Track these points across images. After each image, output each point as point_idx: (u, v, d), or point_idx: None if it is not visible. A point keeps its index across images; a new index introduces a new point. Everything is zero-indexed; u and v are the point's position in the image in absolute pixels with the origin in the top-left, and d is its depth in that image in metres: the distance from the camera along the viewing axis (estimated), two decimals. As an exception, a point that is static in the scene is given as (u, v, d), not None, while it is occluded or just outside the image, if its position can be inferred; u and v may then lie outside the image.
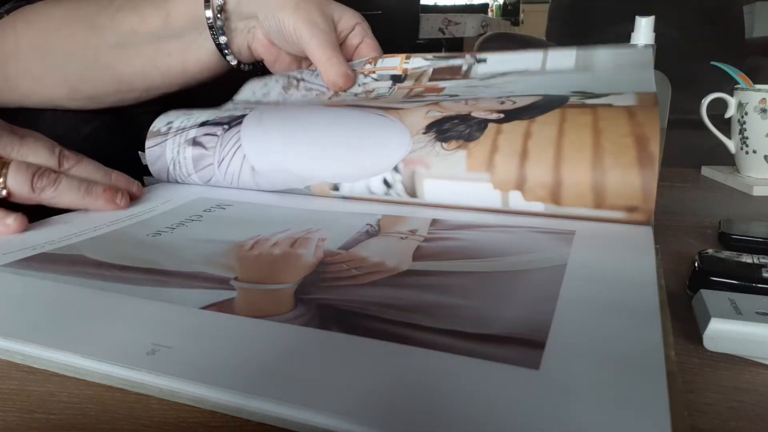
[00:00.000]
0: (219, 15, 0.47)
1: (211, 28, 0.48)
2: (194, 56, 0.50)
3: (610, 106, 0.35)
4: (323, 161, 0.39)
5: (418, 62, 0.48)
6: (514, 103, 0.37)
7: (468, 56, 0.47)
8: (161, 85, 0.53)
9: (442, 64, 0.47)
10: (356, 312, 0.22)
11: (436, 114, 0.37)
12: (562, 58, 0.44)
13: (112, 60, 0.51)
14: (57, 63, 0.50)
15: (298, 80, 0.51)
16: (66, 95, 0.52)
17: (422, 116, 0.37)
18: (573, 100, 0.36)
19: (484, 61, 0.46)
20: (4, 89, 0.52)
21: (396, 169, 0.36)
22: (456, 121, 0.37)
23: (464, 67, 0.46)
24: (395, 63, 0.49)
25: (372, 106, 0.41)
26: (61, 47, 0.50)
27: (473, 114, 0.36)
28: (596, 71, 0.42)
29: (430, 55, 0.49)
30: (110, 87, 0.53)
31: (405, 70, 0.48)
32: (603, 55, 0.43)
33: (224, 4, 0.47)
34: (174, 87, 0.52)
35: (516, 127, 0.35)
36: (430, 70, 0.48)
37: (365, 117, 0.39)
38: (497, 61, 0.46)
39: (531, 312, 0.22)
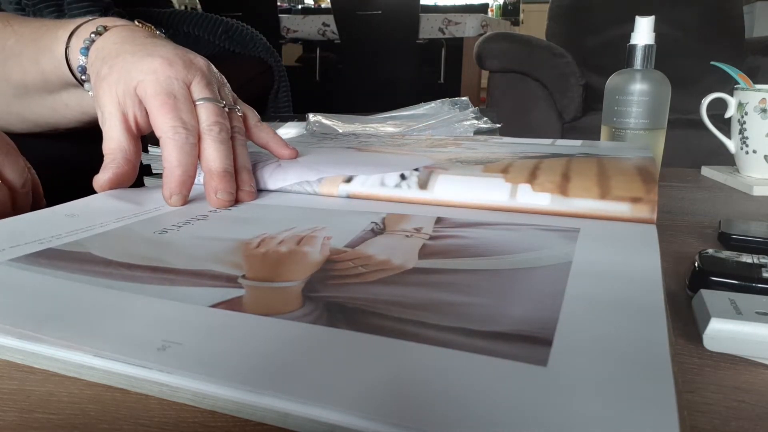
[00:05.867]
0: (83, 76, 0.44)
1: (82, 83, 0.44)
2: (90, 104, 0.44)
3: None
4: (346, 164, 0.44)
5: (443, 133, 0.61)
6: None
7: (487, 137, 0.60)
8: (81, 124, 0.49)
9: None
10: (364, 310, 0.22)
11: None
12: (570, 142, 0.55)
13: (17, 108, 0.48)
14: None
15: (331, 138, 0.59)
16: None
17: (444, 159, 0.45)
18: (578, 155, 0.45)
19: (500, 138, 0.57)
20: None
21: (416, 169, 0.41)
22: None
23: (482, 139, 0.57)
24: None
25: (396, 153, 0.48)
26: None
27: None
28: (600, 147, 0.52)
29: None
30: (34, 127, 0.50)
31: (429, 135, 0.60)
32: (606, 143, 0.55)
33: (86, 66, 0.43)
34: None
35: (526, 162, 0.42)
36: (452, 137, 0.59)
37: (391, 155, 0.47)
38: (512, 139, 0.57)
39: (537, 309, 0.22)
